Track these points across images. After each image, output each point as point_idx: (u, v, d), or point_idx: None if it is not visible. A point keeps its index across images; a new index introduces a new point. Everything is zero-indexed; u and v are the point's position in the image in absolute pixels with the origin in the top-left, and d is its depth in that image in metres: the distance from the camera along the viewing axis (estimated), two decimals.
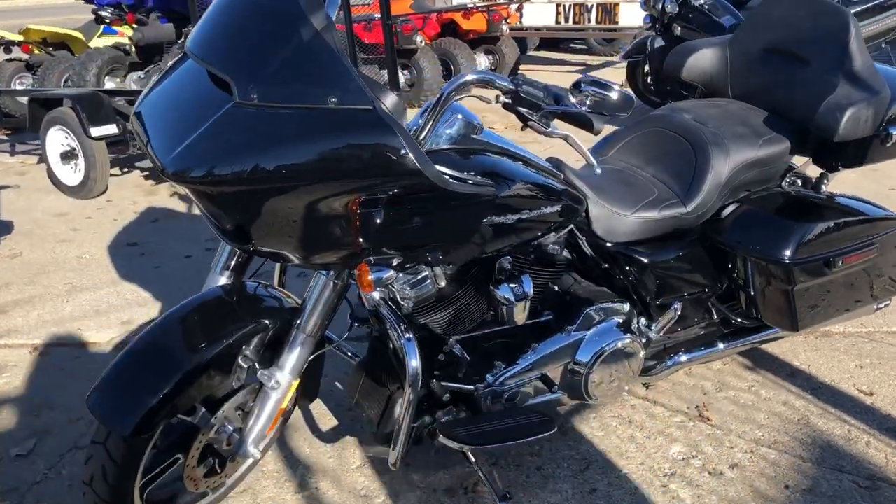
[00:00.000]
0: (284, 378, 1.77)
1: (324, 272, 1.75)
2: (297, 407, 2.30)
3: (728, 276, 2.27)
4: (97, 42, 7.35)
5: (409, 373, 1.69)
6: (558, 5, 8.86)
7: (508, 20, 8.25)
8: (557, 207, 1.82)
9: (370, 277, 1.60)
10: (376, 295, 1.66)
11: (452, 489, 2.13)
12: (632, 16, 8.22)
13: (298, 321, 1.77)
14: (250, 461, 2.10)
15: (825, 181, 2.46)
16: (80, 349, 3.01)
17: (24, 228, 4.44)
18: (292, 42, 1.41)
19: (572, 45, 11.07)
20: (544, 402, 2.08)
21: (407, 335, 1.70)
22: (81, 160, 4.79)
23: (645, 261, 2.11)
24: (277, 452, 2.30)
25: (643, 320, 2.20)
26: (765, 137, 2.26)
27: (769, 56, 2.46)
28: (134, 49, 6.42)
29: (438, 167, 1.53)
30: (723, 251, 2.23)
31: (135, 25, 6.45)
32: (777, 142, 2.26)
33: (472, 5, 8.05)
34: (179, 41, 6.34)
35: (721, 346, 2.39)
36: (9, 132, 6.80)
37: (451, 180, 1.55)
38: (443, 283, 1.82)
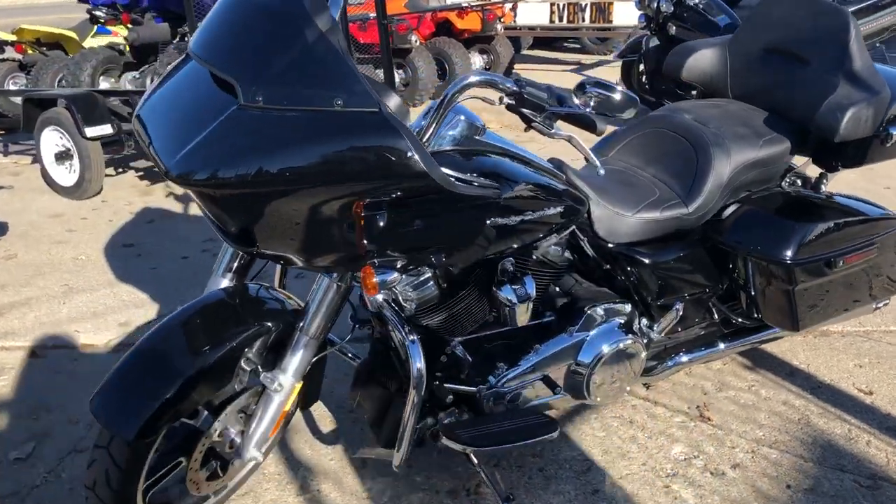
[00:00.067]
0: (287, 381, 1.76)
1: (327, 274, 1.75)
2: (298, 409, 2.29)
3: (729, 277, 2.27)
4: (91, 42, 7.30)
5: (413, 374, 1.69)
6: (552, 4, 8.85)
7: (503, 19, 8.25)
8: (560, 208, 1.82)
9: (374, 280, 1.60)
10: (380, 297, 1.65)
11: (455, 491, 2.13)
12: (626, 15, 8.22)
13: (301, 323, 1.77)
14: (252, 464, 2.09)
15: (825, 181, 2.46)
16: (78, 351, 2.99)
17: (18, 230, 4.41)
18: (297, 44, 1.40)
19: (566, 45, 11.07)
20: (546, 403, 2.08)
21: (411, 337, 1.69)
22: (76, 161, 4.77)
23: (646, 261, 2.11)
24: (279, 455, 2.30)
25: (645, 321, 2.20)
26: (765, 138, 2.26)
27: (769, 56, 2.46)
28: (129, 49, 6.39)
29: (443, 169, 1.53)
30: (724, 251, 2.23)
31: (129, 25, 6.42)
32: (777, 142, 2.27)
33: (466, 4, 8.04)
34: (174, 41, 6.32)
35: (722, 346, 2.40)
36: (2, 132, 6.77)
37: (457, 182, 1.55)
38: (445, 285, 1.82)
